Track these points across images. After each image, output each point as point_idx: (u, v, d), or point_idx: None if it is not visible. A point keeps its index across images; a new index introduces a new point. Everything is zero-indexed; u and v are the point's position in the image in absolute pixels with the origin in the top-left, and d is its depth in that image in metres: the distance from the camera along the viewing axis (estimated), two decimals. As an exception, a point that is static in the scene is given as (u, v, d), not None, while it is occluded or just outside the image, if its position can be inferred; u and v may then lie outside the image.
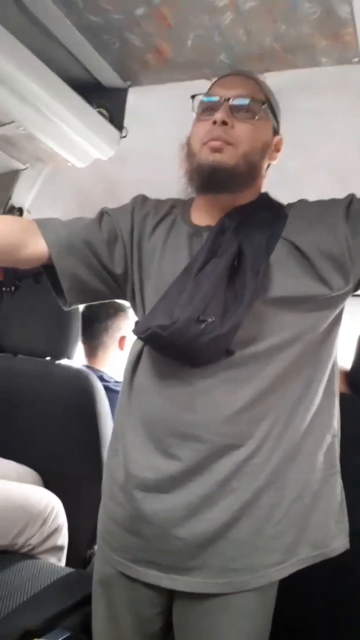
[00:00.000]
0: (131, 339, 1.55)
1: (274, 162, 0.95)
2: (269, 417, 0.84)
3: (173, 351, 0.82)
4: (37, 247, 0.91)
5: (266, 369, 0.84)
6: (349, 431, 0.95)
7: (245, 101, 0.88)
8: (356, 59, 1.05)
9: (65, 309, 0.98)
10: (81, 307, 1.68)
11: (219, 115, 0.87)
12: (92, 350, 1.77)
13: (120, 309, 1.82)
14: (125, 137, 1.27)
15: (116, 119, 1.25)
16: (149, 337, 0.82)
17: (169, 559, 0.84)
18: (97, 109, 1.22)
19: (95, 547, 1.43)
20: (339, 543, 0.89)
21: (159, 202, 1.00)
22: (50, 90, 1.06)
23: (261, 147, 0.90)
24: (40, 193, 1.62)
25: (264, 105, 0.89)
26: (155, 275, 0.92)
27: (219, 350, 0.81)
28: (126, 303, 1.80)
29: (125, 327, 1.84)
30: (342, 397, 0.98)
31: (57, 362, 1.53)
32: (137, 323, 0.90)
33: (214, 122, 0.87)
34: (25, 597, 1.14)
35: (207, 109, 0.90)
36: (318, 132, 1.31)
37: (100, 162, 1.31)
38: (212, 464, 0.83)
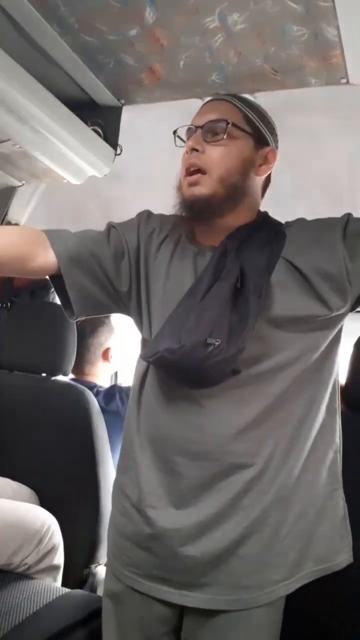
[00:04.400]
0: (117, 350, 1.53)
1: (263, 176, 0.95)
2: (274, 435, 0.85)
3: (180, 374, 0.84)
4: (47, 258, 0.92)
5: (270, 387, 0.85)
6: (345, 447, 0.96)
7: (212, 124, 0.90)
8: (344, 80, 1.08)
9: (71, 320, 0.99)
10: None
11: (189, 143, 0.91)
12: (79, 367, 1.78)
13: (98, 324, 1.83)
14: (119, 154, 1.28)
15: (111, 137, 1.26)
16: (157, 360, 0.83)
17: (180, 576, 0.85)
18: (92, 127, 1.24)
19: (92, 566, 1.42)
20: (343, 557, 0.91)
21: (164, 218, 1.00)
22: (46, 109, 1.08)
23: (240, 166, 0.90)
24: (36, 209, 1.64)
25: (229, 125, 0.89)
26: (161, 294, 0.93)
27: (226, 371, 0.82)
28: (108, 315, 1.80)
29: (108, 340, 1.85)
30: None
31: (53, 378, 1.53)
32: (143, 346, 0.91)
33: (187, 152, 0.90)
34: (21, 618, 1.11)
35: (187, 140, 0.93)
36: (309, 150, 1.33)
37: (96, 179, 1.32)
38: (220, 482, 0.84)
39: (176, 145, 0.95)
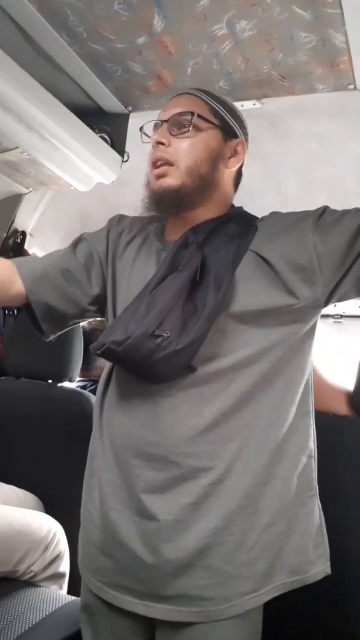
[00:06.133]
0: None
1: (233, 169, 0.92)
2: (238, 438, 0.81)
3: (131, 367, 0.81)
4: (17, 285, 0.93)
5: (232, 386, 0.81)
6: (350, 454, 0.93)
7: (178, 117, 0.88)
8: (351, 86, 1.08)
9: (46, 340, 0.98)
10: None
11: (154, 137, 0.89)
12: (88, 372, 1.79)
13: None
14: (127, 161, 1.29)
15: (118, 144, 1.27)
16: (104, 353, 0.80)
17: (143, 586, 0.81)
18: (100, 135, 1.24)
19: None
20: (318, 569, 0.84)
21: (135, 220, 0.99)
22: (54, 117, 1.09)
23: (208, 157, 0.88)
24: (43, 216, 1.64)
25: (195, 116, 0.88)
26: (124, 292, 0.91)
27: (179, 366, 0.78)
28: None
29: None
30: (343, 419, 0.96)
31: (60, 385, 1.53)
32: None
33: (153, 147, 0.89)
34: (27, 626, 1.11)
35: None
36: (316, 155, 1.33)
37: (103, 186, 1.33)
38: (178, 487, 0.80)
39: (143, 142, 0.93)
